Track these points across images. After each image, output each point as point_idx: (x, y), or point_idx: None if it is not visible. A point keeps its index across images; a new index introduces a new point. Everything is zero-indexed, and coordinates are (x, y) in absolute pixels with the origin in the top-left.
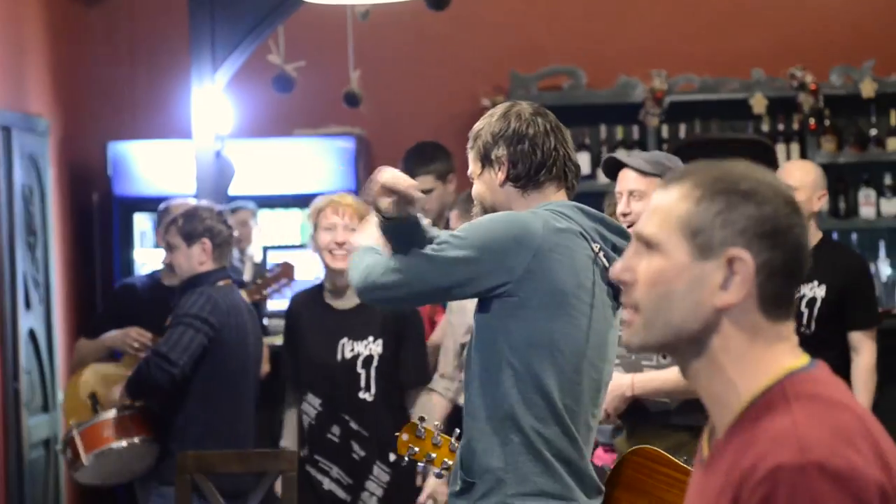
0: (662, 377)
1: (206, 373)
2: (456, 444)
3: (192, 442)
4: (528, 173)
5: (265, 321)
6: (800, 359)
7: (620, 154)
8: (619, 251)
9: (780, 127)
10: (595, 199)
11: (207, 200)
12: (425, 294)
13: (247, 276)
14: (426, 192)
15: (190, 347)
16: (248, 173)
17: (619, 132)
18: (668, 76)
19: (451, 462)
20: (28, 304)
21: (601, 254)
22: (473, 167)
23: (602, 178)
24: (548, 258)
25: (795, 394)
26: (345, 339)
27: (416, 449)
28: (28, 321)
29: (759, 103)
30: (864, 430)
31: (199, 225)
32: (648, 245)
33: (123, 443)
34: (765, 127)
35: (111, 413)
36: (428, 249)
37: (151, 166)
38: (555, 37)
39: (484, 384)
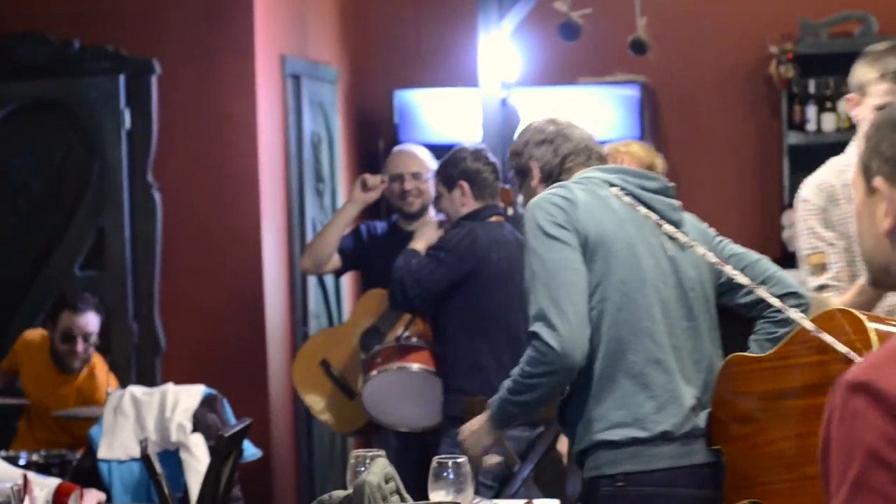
0: None
1: (465, 306)
2: None
3: (461, 375)
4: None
5: None
6: None
7: None
8: (649, 190)
9: None
10: None
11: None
12: None
13: None
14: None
15: (433, 283)
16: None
17: None
18: None
19: None
20: None
21: (622, 193)
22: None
23: None
24: (589, 216)
25: None
26: None
27: None
28: None
29: None
30: None
31: (453, 169)
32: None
33: (407, 365)
34: None
35: (393, 341)
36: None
37: (437, 114)
38: None
39: None
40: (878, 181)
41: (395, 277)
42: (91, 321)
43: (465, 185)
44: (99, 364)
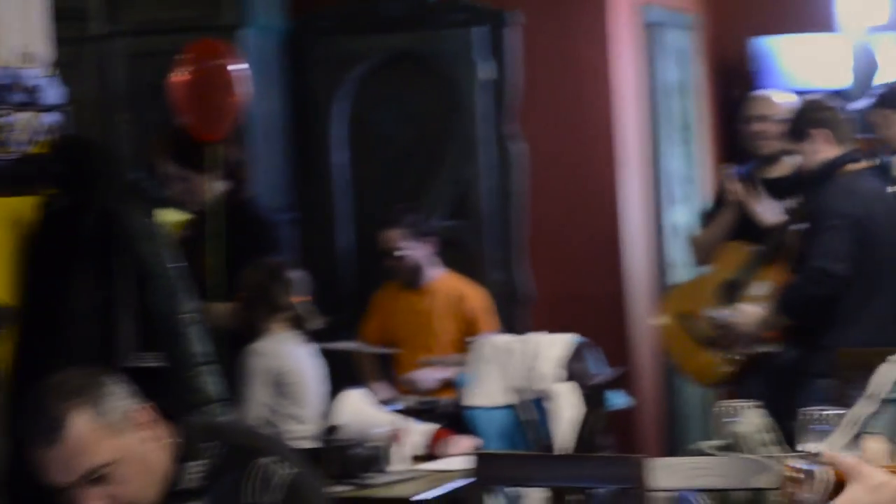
0: None
1: (857, 262)
2: None
3: (853, 325)
4: None
5: None
6: None
7: None
8: None
9: None
10: None
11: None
12: None
13: None
14: None
15: (842, 251)
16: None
17: None
18: None
19: None
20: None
21: None
22: None
23: None
24: None
25: None
26: None
27: None
28: (673, 216)
29: None
30: None
31: (801, 119)
32: None
33: None
34: None
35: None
36: None
37: (795, 61)
38: None
39: None
40: None
41: (803, 275)
42: (390, 235)
43: (820, 132)
44: (469, 294)
